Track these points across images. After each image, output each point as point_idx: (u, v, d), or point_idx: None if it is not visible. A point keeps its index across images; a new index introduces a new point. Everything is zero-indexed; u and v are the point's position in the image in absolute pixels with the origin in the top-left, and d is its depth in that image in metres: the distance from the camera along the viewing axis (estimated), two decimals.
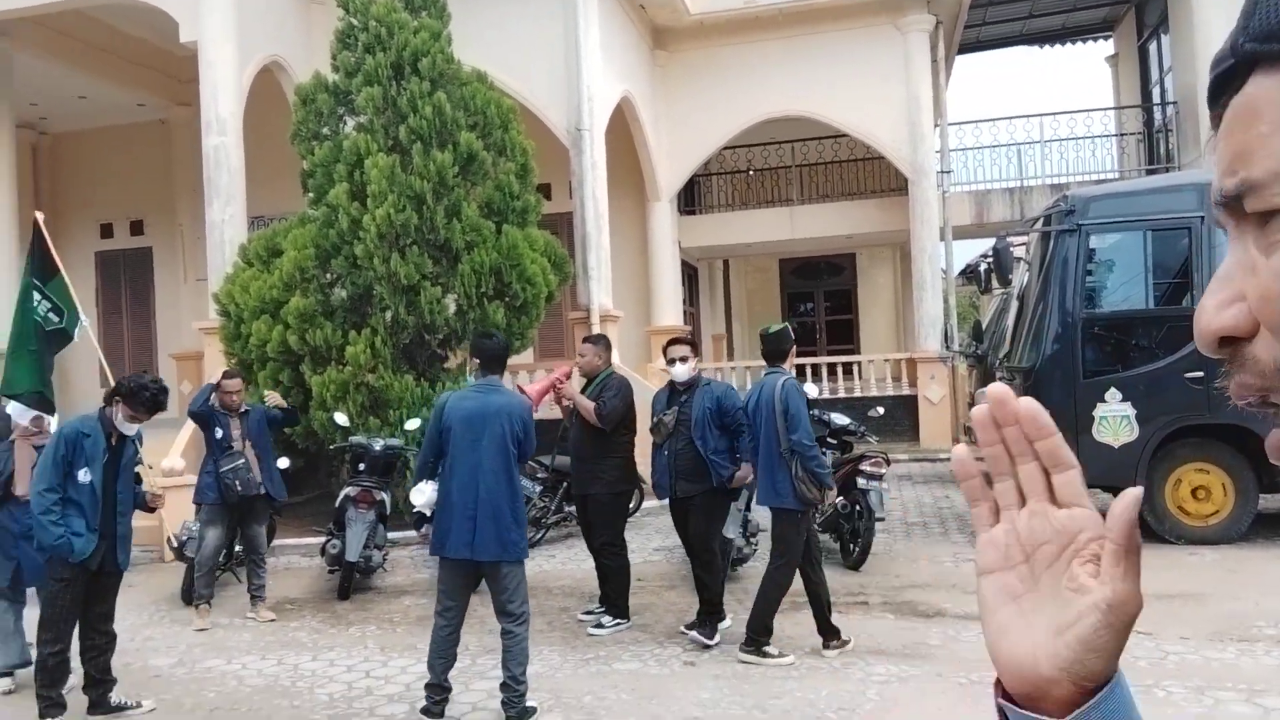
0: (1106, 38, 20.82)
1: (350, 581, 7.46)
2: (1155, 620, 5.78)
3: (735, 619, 6.09)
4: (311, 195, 10.00)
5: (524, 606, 4.83)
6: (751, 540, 7.60)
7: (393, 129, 9.70)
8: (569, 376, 6.77)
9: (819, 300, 23.07)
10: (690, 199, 18.29)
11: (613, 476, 6.40)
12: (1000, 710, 0.60)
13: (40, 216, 7.70)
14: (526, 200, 10.26)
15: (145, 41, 14.13)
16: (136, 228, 17.74)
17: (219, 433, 6.98)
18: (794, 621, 6.02)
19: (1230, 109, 0.50)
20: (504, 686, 4.73)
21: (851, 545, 7.72)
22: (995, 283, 9.56)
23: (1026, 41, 22.07)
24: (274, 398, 7.61)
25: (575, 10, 12.22)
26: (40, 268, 7.59)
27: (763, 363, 6.00)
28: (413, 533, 6.86)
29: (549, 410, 8.69)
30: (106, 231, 17.84)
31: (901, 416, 15.02)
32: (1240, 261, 0.49)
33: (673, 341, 6.50)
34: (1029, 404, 0.57)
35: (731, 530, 7.08)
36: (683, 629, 6.13)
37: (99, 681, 5.16)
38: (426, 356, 9.86)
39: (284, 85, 12.28)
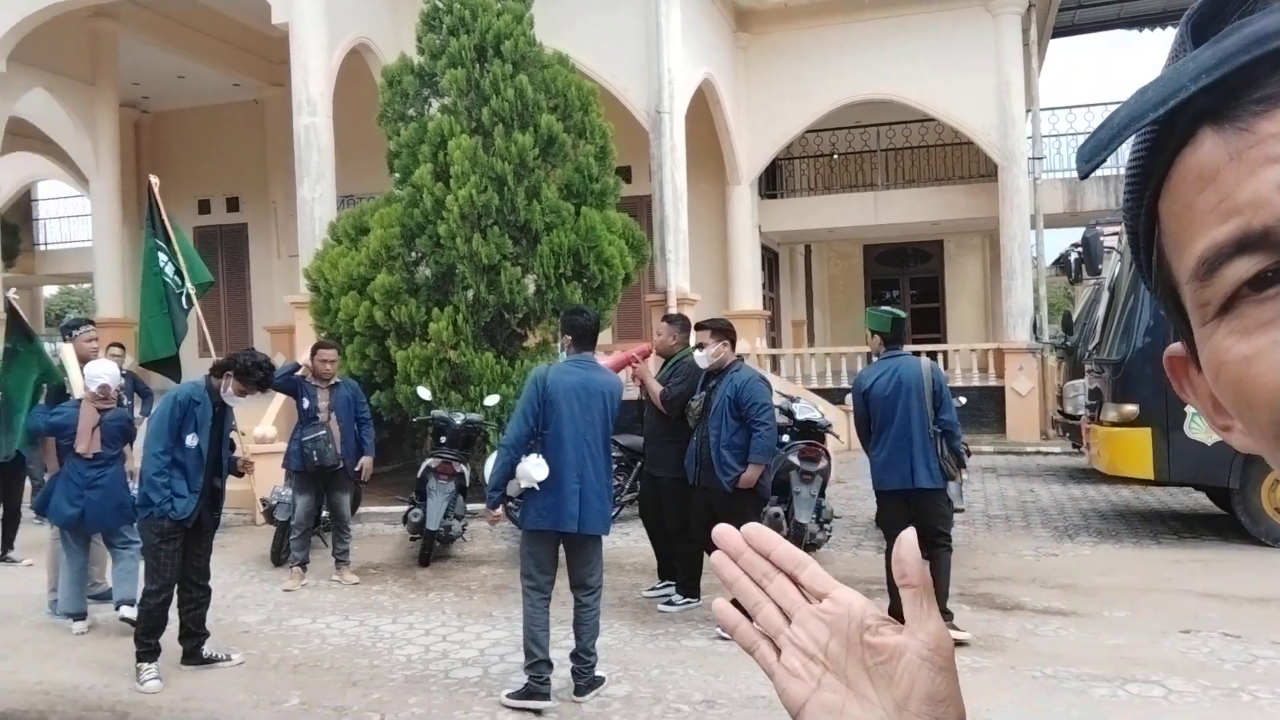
0: None
1: (430, 549, 7.69)
2: (1246, 624, 5.61)
3: None
4: (397, 175, 10.24)
5: (600, 579, 4.94)
6: (825, 526, 7.56)
7: (475, 111, 9.86)
8: (646, 356, 6.80)
9: (904, 288, 22.71)
10: (772, 183, 18.16)
11: (679, 460, 6.25)
12: None
13: (154, 180, 7.99)
14: (605, 182, 10.33)
15: (240, 23, 14.60)
16: (232, 204, 18.39)
17: (306, 403, 7.23)
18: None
19: None
20: (575, 657, 4.83)
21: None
22: (1085, 272, 9.30)
23: (1125, 25, 21.24)
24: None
25: None
26: (159, 230, 7.82)
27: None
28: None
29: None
30: (204, 208, 18.54)
31: (988, 408, 14.74)
32: None
33: (698, 326, 6.44)
34: (751, 528, 0.59)
35: (804, 515, 7.07)
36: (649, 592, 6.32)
37: (193, 634, 5.43)
38: (506, 335, 10.04)
39: (371, 66, 12.57)
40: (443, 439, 8.11)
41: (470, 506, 8.17)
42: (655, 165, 12.45)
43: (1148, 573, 6.98)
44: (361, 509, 9.05)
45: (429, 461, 7.85)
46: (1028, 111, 15.53)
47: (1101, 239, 8.38)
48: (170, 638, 5.35)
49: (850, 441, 13.81)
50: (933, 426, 5.51)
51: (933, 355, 15.35)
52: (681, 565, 6.49)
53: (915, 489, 5.49)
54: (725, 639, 5.56)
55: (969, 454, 7.35)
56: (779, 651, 0.59)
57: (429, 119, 10.08)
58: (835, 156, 18.56)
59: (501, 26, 9.94)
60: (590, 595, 4.86)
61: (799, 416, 7.68)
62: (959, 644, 5.50)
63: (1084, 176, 0.50)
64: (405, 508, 8.11)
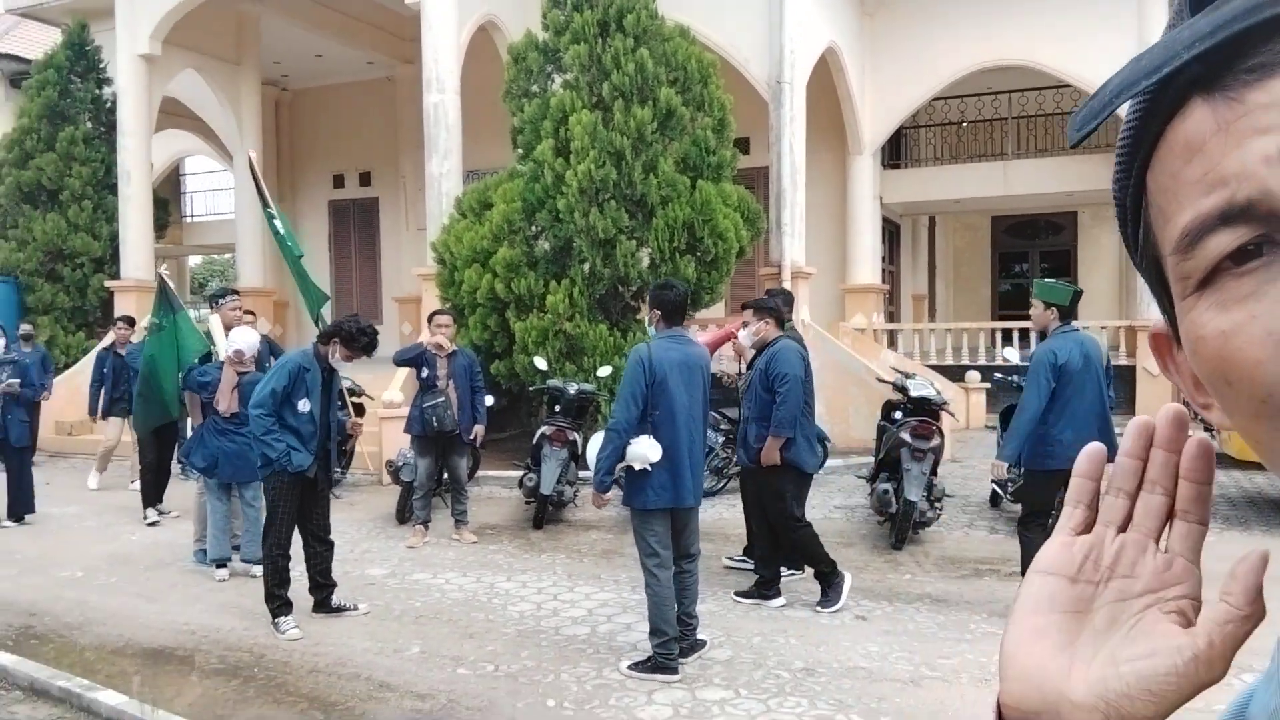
0: None
1: (544, 513, 7.98)
2: None
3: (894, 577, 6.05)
4: (520, 151, 10.50)
5: (699, 546, 5.10)
6: (936, 505, 7.48)
7: (597, 86, 10.01)
8: (731, 338, 6.86)
9: (1034, 261, 21.90)
10: (895, 152, 17.75)
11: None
12: None
13: (253, 155, 8.53)
14: (722, 155, 10.35)
15: (374, 2, 15.11)
16: (365, 179, 19.14)
17: (425, 372, 7.57)
18: (974, 588, 5.94)
19: None
20: (679, 621, 4.97)
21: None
22: None
23: None
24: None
25: None
26: (263, 200, 8.59)
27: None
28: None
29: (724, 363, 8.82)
30: (338, 182, 19.36)
31: (1118, 387, 14.11)
32: None
33: (741, 305, 6.49)
34: (1202, 441, 0.49)
35: (914, 493, 7.02)
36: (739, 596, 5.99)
37: (321, 585, 5.82)
38: (620, 308, 10.22)
39: (498, 44, 12.85)
40: (557, 407, 8.37)
41: (582, 474, 8.42)
42: (773, 137, 12.36)
43: (1275, 561, 6.64)
44: (480, 473, 9.43)
45: (543, 429, 8.12)
46: None
47: None
48: (301, 589, 5.76)
49: (969, 420, 13.53)
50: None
51: None
52: (785, 544, 6.50)
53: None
54: (828, 611, 5.62)
55: None
56: (1086, 531, 0.52)
57: (551, 95, 10.28)
58: (964, 125, 17.97)
59: (625, 1, 10.04)
60: (692, 562, 5.00)
61: (913, 393, 7.60)
62: None
63: (1074, 145, 0.50)
64: (520, 472, 8.43)
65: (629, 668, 4.80)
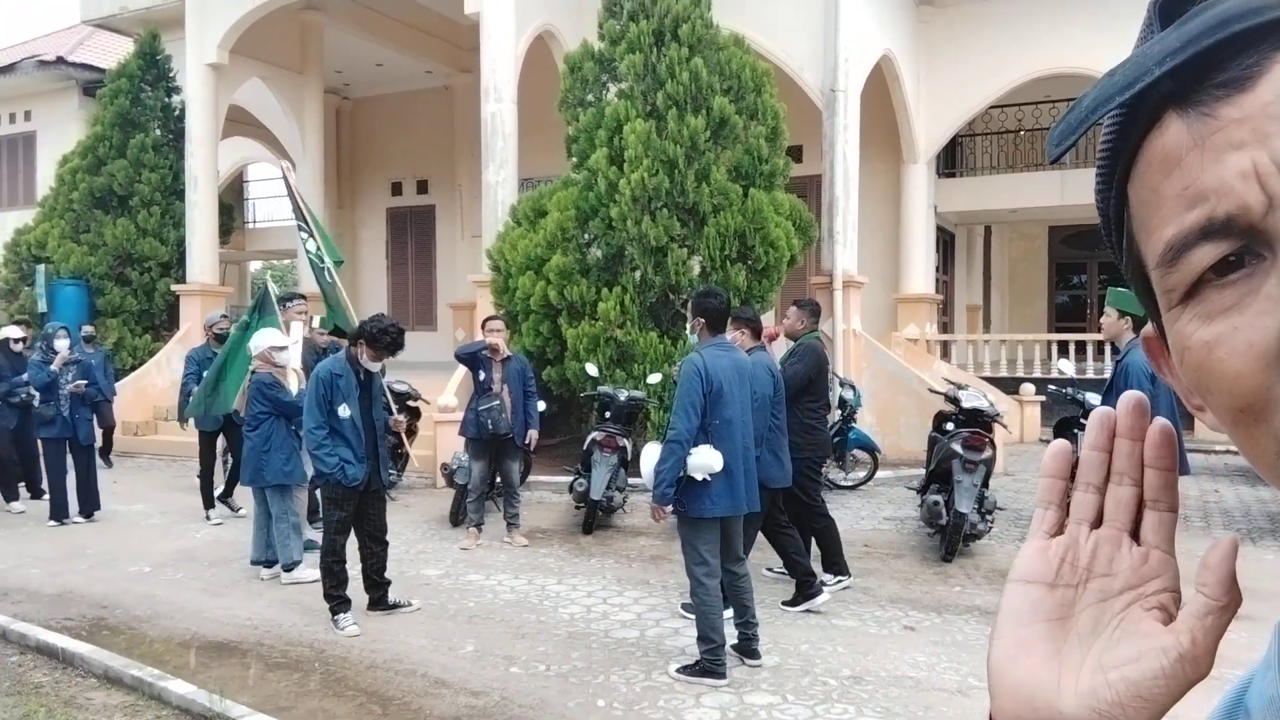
0: None
1: (594, 518, 8.08)
2: None
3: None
4: (575, 160, 10.64)
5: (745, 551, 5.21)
6: (987, 517, 7.43)
7: (651, 95, 10.12)
8: (773, 339, 6.89)
9: (1092, 272, 21.50)
10: (950, 161, 17.60)
11: (799, 442, 6.21)
12: None
13: (287, 166, 8.67)
14: (775, 164, 10.39)
15: (434, 12, 15.41)
16: (422, 187, 19.47)
17: (481, 375, 7.72)
18: None
19: None
20: (743, 623, 5.05)
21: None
22: None
23: None
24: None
25: None
26: (299, 214, 8.60)
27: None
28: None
29: None
30: (396, 190, 19.72)
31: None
32: None
33: (732, 316, 6.57)
34: (1164, 427, 0.49)
35: (965, 504, 6.98)
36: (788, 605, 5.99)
37: (377, 584, 5.97)
38: (670, 315, 10.30)
39: (554, 53, 13.02)
40: (607, 414, 8.48)
41: (631, 480, 8.50)
42: (826, 145, 12.36)
43: (1274, 558, 6.55)
44: (531, 477, 9.56)
45: (594, 435, 8.23)
46: None
47: None
48: (357, 587, 5.92)
49: (1023, 434, 13.36)
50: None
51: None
52: (821, 546, 6.50)
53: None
54: (870, 622, 5.63)
55: None
56: (1059, 533, 0.51)
57: (606, 104, 10.42)
58: (1021, 133, 17.76)
59: (680, 10, 10.16)
60: (742, 565, 5.09)
61: (965, 404, 7.57)
62: None
63: (1053, 160, 0.50)
64: (571, 478, 8.54)
65: (677, 671, 4.86)
